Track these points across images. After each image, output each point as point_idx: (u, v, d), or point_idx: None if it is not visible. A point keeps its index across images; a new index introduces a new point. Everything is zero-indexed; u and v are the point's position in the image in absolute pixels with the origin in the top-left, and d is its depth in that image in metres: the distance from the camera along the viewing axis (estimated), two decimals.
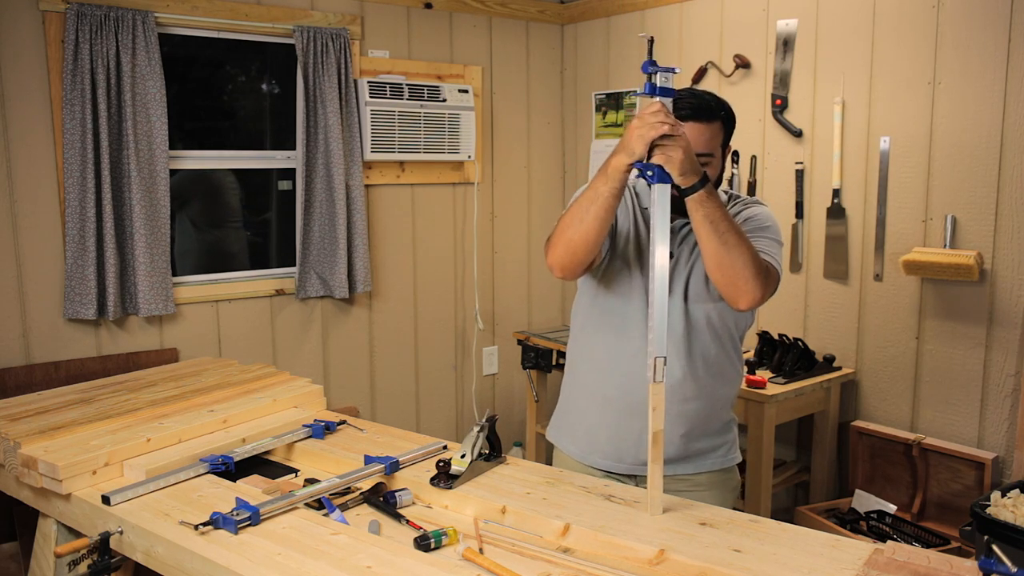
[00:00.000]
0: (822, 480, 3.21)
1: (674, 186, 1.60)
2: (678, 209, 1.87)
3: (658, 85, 1.57)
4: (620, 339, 1.85)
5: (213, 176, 3.44)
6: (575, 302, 2.02)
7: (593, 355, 1.92)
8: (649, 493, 1.62)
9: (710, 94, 1.79)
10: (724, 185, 1.76)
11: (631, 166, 1.59)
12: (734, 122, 1.82)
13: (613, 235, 1.87)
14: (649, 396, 1.59)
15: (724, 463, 1.95)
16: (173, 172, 3.12)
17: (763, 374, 3.05)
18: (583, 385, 1.96)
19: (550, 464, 2.02)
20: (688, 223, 1.87)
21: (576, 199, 1.73)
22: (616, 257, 1.87)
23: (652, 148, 1.55)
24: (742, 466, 2.96)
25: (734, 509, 1.75)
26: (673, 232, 1.86)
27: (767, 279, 1.69)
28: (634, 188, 1.90)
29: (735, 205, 1.90)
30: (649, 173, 1.56)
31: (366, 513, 1.73)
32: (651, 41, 1.61)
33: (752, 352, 3.27)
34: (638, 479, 1.88)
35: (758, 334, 3.28)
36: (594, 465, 1.93)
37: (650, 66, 1.56)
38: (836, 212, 3.19)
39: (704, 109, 1.73)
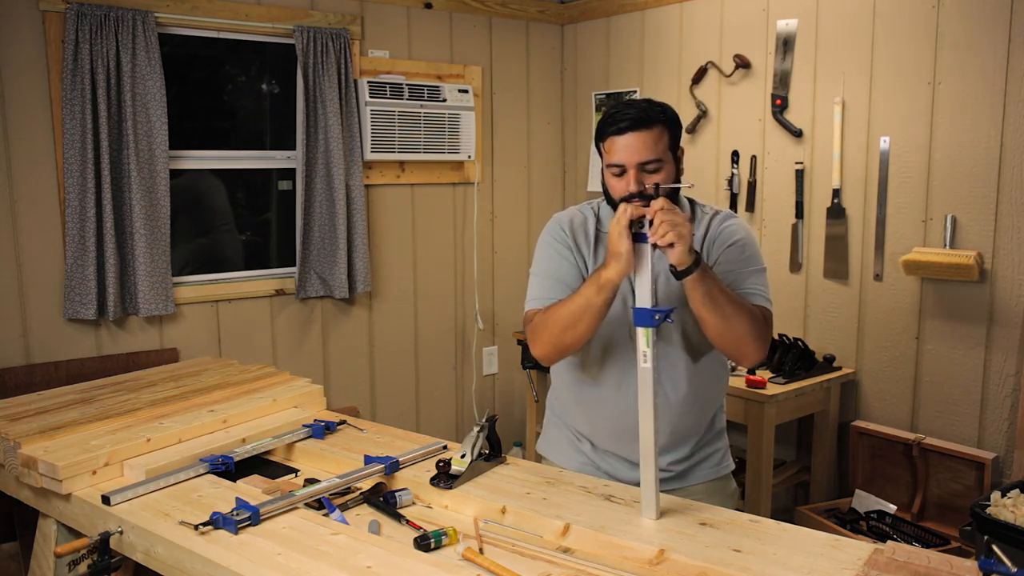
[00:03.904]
0: (822, 480, 3.21)
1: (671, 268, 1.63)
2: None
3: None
4: (611, 384, 1.85)
5: (204, 177, 3.42)
6: None
7: (582, 393, 1.92)
8: (643, 494, 1.62)
9: (647, 101, 1.76)
10: (685, 185, 1.76)
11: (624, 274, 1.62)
12: (678, 124, 1.78)
13: None
14: (639, 382, 1.58)
15: (719, 472, 1.95)
16: (174, 172, 3.12)
17: (763, 374, 3.05)
18: (574, 417, 1.97)
19: None
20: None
21: (566, 303, 1.74)
22: None
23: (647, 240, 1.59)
24: (742, 467, 2.97)
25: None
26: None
27: (766, 329, 1.74)
28: None
29: (712, 220, 1.86)
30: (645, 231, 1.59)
31: (366, 513, 1.73)
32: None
33: None
34: None
35: None
36: None
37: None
38: (836, 212, 3.19)
39: (642, 119, 1.71)
